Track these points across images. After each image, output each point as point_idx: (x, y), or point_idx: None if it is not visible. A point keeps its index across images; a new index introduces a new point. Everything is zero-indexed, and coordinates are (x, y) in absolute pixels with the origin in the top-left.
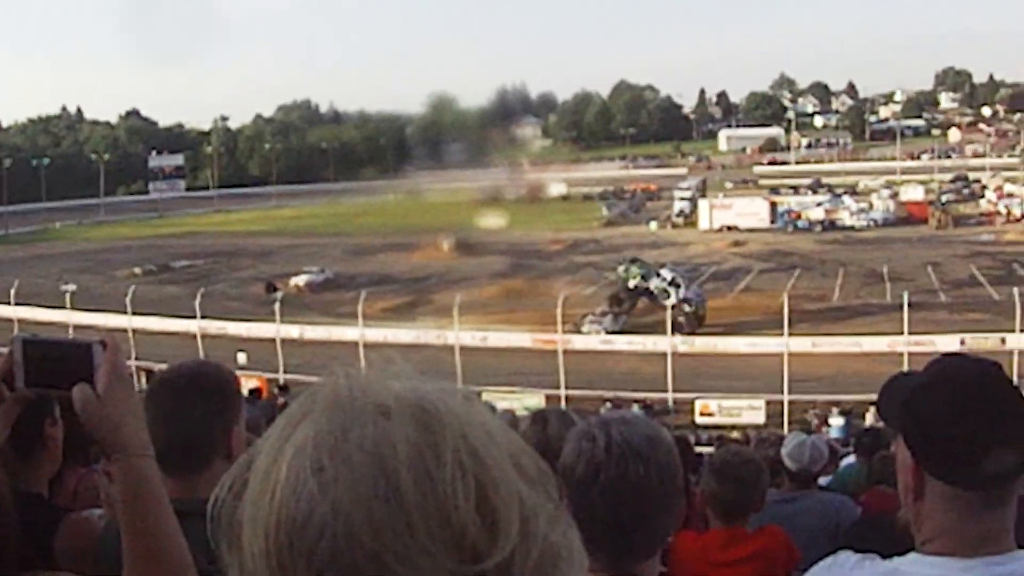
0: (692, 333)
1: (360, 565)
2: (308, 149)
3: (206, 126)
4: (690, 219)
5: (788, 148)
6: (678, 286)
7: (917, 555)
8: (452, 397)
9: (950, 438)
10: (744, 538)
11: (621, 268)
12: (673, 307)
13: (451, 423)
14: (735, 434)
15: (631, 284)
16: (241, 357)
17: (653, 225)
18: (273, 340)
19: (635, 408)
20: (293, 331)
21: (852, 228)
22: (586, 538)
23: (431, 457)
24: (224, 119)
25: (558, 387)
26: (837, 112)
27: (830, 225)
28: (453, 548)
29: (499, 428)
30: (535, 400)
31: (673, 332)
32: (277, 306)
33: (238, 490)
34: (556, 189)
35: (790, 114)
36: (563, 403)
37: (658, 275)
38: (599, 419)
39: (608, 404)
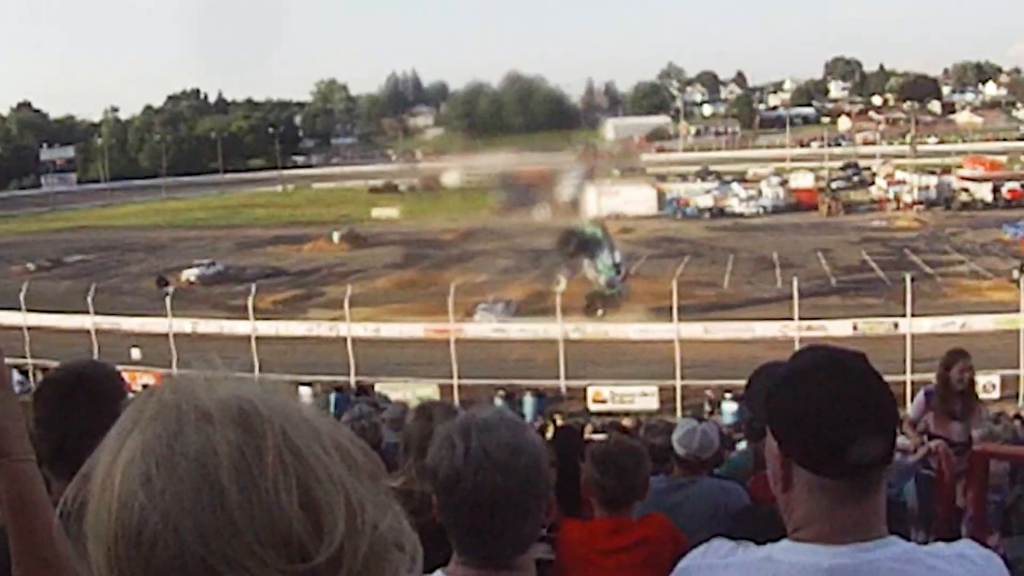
0: (593, 314)
1: (194, 572)
2: (197, 140)
3: (97, 117)
4: (578, 206)
5: (676, 137)
6: (617, 272)
7: (789, 542)
8: (274, 396)
9: (815, 428)
10: (628, 526)
11: (589, 221)
12: (598, 283)
13: (271, 422)
14: (626, 421)
15: (584, 234)
16: (135, 353)
17: (543, 213)
18: (166, 335)
19: (528, 396)
20: (186, 325)
21: (741, 215)
22: (454, 537)
23: (253, 459)
24: (114, 110)
25: (451, 377)
26: (726, 101)
27: (719, 212)
28: (281, 548)
29: (324, 423)
30: (428, 391)
31: (587, 308)
32: (168, 300)
33: (81, 502)
34: (449, 178)
35: (678, 103)
36: (456, 392)
37: (611, 250)
38: (461, 423)
39: (501, 392)
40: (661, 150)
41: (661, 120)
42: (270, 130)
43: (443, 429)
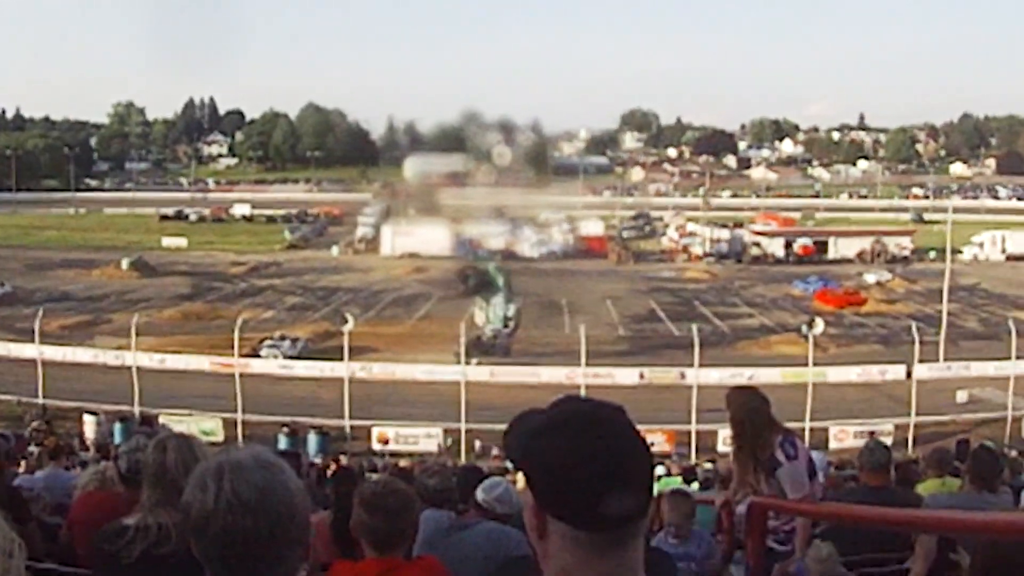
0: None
1: None
2: None
3: None
4: (373, 244)
5: (472, 179)
6: (506, 325)
7: None
8: None
9: (567, 481)
10: (398, 567)
11: (493, 264)
12: (484, 331)
13: None
14: (403, 462)
15: (486, 275)
16: None
17: (335, 250)
18: None
19: (312, 434)
20: None
21: (531, 259)
22: (210, 573)
23: None
24: None
25: (236, 411)
26: (521, 147)
27: (510, 255)
28: None
29: None
30: (212, 424)
31: (468, 355)
32: None
33: None
34: (240, 210)
35: (475, 146)
36: (240, 427)
37: (508, 301)
38: (216, 464)
39: (286, 429)
40: (457, 191)
41: (459, 162)
42: (65, 150)
43: (199, 469)
